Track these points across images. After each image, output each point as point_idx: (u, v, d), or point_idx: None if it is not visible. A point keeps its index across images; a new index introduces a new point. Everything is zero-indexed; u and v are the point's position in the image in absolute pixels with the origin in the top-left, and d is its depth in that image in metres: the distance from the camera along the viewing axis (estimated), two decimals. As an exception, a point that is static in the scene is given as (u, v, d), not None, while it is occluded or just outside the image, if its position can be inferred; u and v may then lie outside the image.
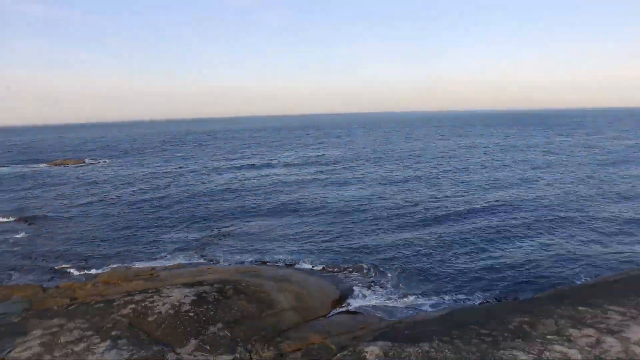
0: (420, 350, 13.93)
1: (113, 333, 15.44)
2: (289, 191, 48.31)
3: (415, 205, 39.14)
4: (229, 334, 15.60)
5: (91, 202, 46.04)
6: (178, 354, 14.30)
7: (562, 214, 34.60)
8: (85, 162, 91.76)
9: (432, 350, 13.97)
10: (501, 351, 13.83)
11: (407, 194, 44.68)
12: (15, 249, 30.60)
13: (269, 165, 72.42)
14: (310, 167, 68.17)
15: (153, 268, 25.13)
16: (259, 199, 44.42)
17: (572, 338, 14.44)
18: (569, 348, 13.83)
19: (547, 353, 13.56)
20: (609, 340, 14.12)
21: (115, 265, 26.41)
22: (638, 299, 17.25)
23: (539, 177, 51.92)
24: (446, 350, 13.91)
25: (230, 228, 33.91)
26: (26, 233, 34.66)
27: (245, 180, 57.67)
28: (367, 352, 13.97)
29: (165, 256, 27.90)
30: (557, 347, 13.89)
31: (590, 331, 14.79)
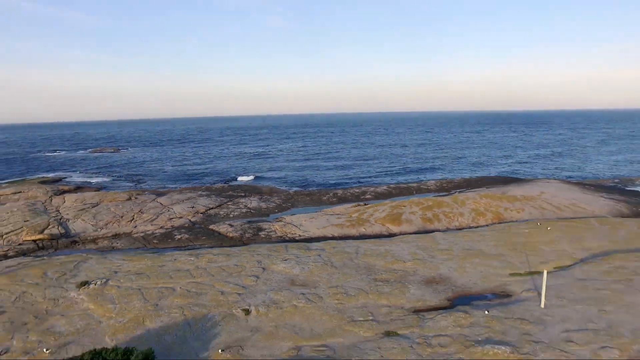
0: (300, 195, 42.04)
1: (201, 191, 43.53)
2: (274, 163, 76.54)
3: (341, 166, 67.41)
4: (243, 193, 43.73)
5: (145, 171, 73.86)
6: (227, 197, 42.48)
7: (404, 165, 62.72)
8: (119, 150, 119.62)
9: (294, 193, 42.06)
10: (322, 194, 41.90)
11: (343, 162, 72.94)
12: (110, 185, 58.29)
13: (263, 150, 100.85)
14: (290, 154, 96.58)
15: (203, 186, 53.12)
16: (255, 165, 72.57)
17: (351, 190, 42.54)
18: (345, 194, 41.88)
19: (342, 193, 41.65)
20: (370, 190, 42.11)
21: (184, 186, 54.38)
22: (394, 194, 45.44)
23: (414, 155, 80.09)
24: (305, 196, 41.98)
25: (240, 175, 61.92)
26: (113, 180, 62.38)
27: (249, 158, 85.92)
28: (288, 192, 42.06)
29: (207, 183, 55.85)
30: (339, 191, 41.89)
31: (359, 190, 42.83)
